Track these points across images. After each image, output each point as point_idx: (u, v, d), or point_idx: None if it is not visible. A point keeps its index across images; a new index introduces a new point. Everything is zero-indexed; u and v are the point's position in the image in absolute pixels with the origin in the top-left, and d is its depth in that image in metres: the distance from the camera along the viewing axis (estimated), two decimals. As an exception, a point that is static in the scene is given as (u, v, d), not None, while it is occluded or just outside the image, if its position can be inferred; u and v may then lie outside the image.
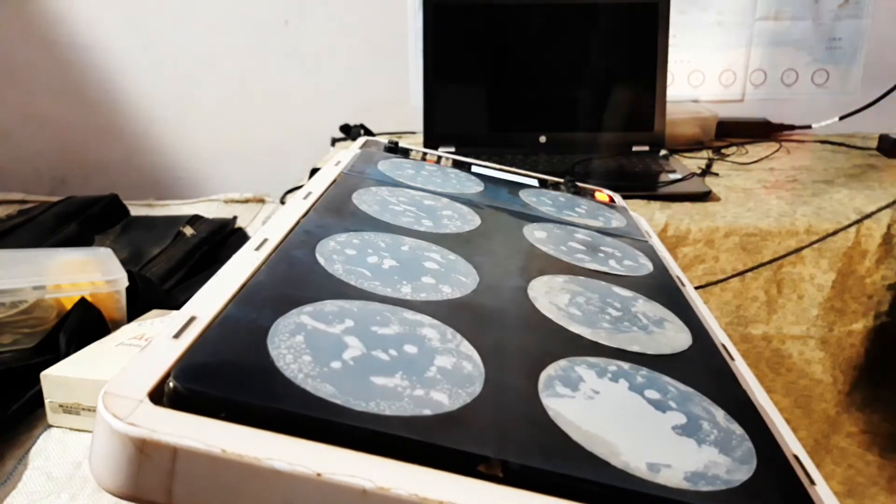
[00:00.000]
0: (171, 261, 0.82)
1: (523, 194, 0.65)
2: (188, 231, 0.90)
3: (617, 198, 0.73)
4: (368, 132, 1.30)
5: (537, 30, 1.13)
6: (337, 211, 0.49)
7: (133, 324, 0.60)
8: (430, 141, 1.12)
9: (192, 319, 0.31)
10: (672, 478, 0.28)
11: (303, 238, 0.43)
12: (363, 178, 0.58)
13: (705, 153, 1.15)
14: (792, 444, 0.35)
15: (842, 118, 1.22)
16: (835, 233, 0.82)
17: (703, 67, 1.34)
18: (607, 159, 1.07)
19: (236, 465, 0.24)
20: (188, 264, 0.82)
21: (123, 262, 0.64)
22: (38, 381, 0.51)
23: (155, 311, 0.63)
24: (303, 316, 0.33)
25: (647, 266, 0.54)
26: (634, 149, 1.12)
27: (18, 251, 0.77)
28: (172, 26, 1.36)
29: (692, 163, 1.09)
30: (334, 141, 1.33)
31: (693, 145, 1.20)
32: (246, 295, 0.34)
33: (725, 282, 0.86)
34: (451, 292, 0.40)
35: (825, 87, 1.33)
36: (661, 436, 0.31)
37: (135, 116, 1.42)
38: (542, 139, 1.13)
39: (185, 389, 0.26)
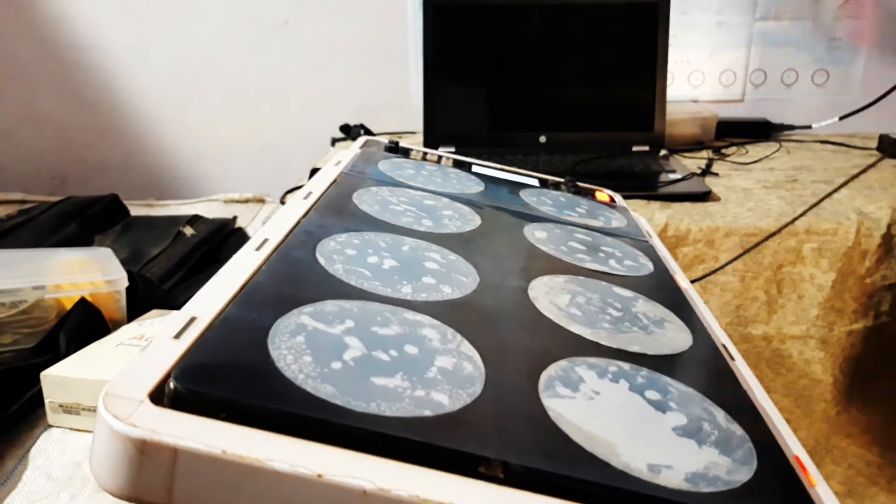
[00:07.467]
0: (171, 261, 0.82)
1: (524, 194, 0.65)
2: (188, 231, 0.90)
3: (617, 198, 0.73)
4: (368, 132, 1.30)
5: (537, 30, 1.13)
6: (337, 211, 0.49)
7: (133, 324, 0.60)
8: (431, 141, 1.12)
9: (192, 320, 0.31)
10: (672, 479, 0.28)
11: (303, 238, 0.43)
12: (363, 178, 0.58)
13: (705, 153, 1.15)
14: (792, 444, 0.35)
15: (842, 118, 1.22)
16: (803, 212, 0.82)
17: (703, 67, 1.34)
18: (607, 159, 1.07)
19: (237, 466, 0.24)
20: (188, 264, 0.82)
21: (123, 262, 0.64)
22: (38, 381, 0.51)
23: (155, 311, 0.63)
24: (303, 316, 0.33)
25: (648, 266, 0.54)
26: (634, 149, 1.12)
27: (18, 251, 0.77)
28: (172, 26, 1.36)
29: (692, 163, 1.09)
30: (334, 141, 1.33)
31: (693, 145, 1.20)
32: (246, 295, 0.34)
33: (726, 282, 0.86)
34: (452, 292, 0.40)
35: (825, 87, 1.33)
36: (661, 436, 0.31)
37: (135, 116, 1.42)
38: (542, 139, 1.13)
39: (185, 390, 0.26)
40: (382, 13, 1.33)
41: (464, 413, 0.29)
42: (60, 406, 0.51)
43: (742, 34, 1.31)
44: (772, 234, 0.82)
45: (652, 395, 0.34)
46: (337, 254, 0.41)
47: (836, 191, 0.83)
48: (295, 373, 0.29)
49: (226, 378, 0.27)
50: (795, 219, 0.84)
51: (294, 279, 0.37)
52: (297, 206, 0.48)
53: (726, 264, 0.84)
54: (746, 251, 0.83)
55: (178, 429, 0.24)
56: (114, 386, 0.26)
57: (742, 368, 0.42)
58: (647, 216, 0.86)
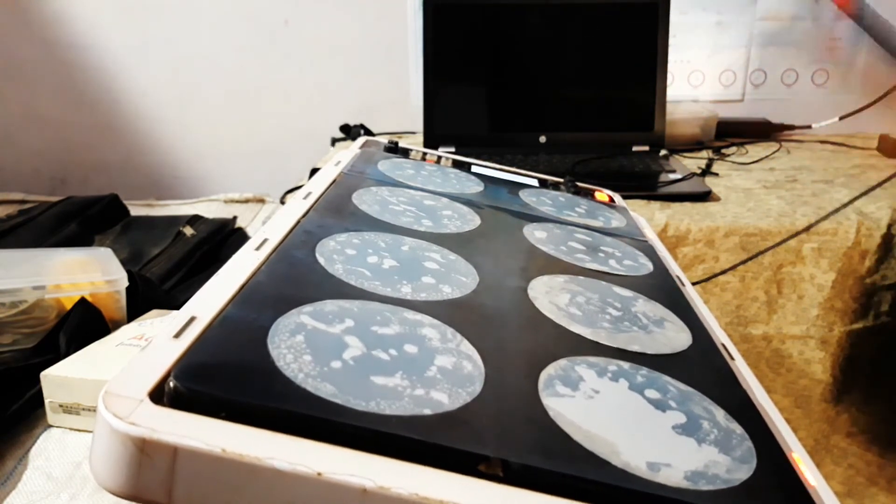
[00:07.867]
0: (171, 261, 0.82)
1: (523, 194, 0.65)
2: (188, 231, 0.90)
3: (617, 198, 0.73)
4: (368, 132, 1.30)
5: (537, 30, 1.13)
6: (337, 211, 0.49)
7: (133, 324, 0.60)
8: (430, 141, 1.12)
9: (192, 319, 0.31)
10: (672, 477, 0.28)
11: (303, 238, 0.43)
12: (363, 178, 0.58)
13: (705, 153, 1.15)
14: (792, 443, 0.35)
15: (842, 118, 1.22)
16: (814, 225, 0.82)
17: (703, 67, 1.34)
18: (607, 159, 1.07)
19: (237, 465, 0.24)
20: (188, 264, 0.82)
21: (123, 262, 0.64)
22: (38, 381, 0.51)
23: (155, 311, 0.63)
24: (303, 316, 0.33)
25: (647, 266, 0.54)
26: (634, 149, 1.12)
27: (18, 251, 0.77)
28: (172, 26, 1.36)
29: (692, 163, 1.09)
30: (334, 141, 1.33)
31: (693, 145, 1.20)
32: (246, 295, 0.34)
33: (726, 282, 0.86)
34: (452, 292, 0.40)
35: (825, 87, 1.33)
36: (661, 435, 0.31)
37: (135, 116, 1.42)
38: (542, 139, 1.13)
39: (185, 389, 0.26)
40: (382, 13, 1.33)
41: (463, 412, 0.29)
42: (60, 406, 0.51)
43: (742, 34, 1.31)
44: (782, 241, 0.81)
45: (651, 393, 0.35)
46: (337, 254, 0.41)
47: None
48: (295, 372, 0.29)
49: (225, 377, 0.27)
50: (809, 226, 0.83)
51: (294, 279, 0.37)
52: (297, 206, 0.48)
53: (731, 268, 0.84)
54: (752, 257, 0.83)
55: (178, 427, 0.25)
56: (114, 385, 0.26)
57: (742, 368, 0.42)
58: (647, 216, 0.86)
